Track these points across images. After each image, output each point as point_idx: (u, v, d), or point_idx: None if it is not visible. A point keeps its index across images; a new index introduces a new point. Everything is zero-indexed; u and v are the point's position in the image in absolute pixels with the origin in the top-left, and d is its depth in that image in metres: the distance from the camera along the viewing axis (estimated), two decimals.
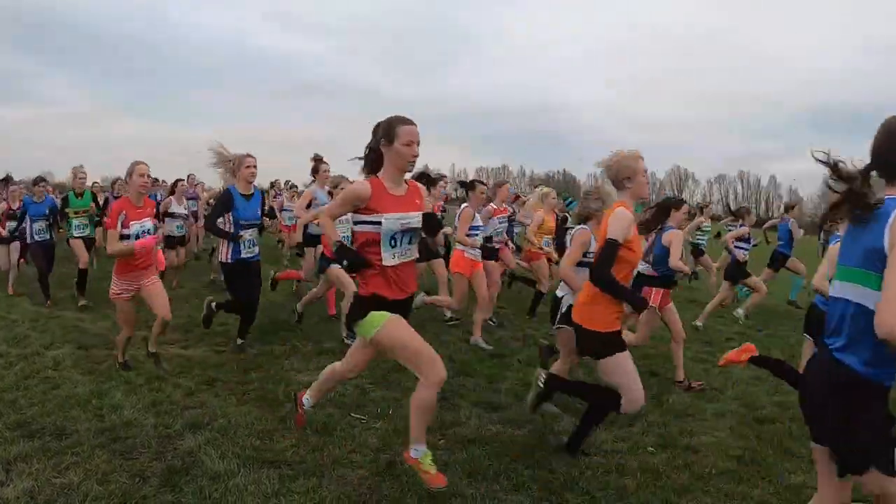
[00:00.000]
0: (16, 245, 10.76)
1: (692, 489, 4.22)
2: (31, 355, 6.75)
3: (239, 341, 7.01)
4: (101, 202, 12.11)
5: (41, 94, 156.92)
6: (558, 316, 5.42)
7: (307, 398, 4.66)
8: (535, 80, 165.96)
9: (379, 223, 3.83)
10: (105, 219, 10.56)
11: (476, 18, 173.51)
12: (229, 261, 6.73)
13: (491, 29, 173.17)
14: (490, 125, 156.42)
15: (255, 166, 6.74)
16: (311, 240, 8.57)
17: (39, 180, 10.30)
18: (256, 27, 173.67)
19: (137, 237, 5.89)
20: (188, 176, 13.93)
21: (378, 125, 4.00)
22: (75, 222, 9.97)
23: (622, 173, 4.29)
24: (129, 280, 6.04)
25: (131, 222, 5.88)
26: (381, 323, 3.87)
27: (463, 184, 8.03)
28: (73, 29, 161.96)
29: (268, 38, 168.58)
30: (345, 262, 3.93)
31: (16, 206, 10.71)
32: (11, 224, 10.65)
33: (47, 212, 10.04)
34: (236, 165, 6.71)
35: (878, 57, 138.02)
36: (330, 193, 7.77)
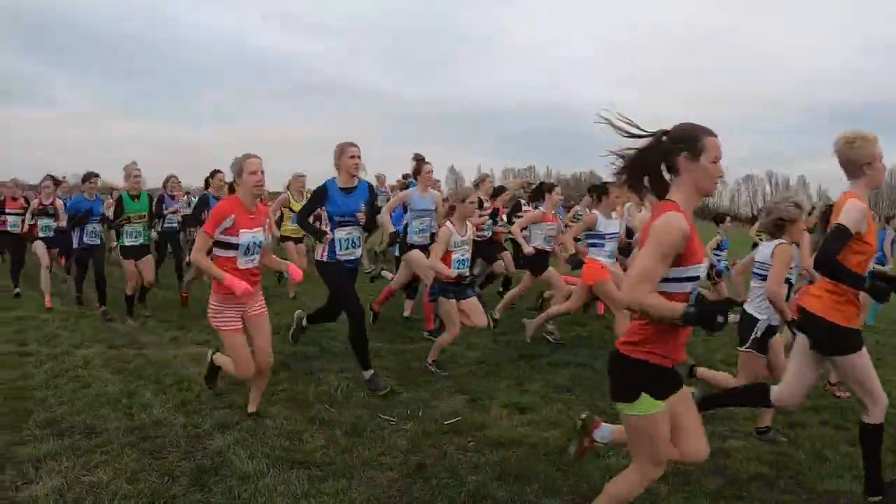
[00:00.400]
0: (40, 245, 10.26)
1: (725, 494, 4.12)
2: (60, 354, 6.80)
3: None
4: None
5: (41, 94, 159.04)
6: (751, 340, 4.86)
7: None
8: (545, 79, 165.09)
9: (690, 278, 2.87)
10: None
11: (476, 18, 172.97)
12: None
13: (492, 28, 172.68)
14: (506, 125, 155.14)
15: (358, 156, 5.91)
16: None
17: (90, 176, 9.02)
18: (256, 27, 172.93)
19: (248, 250, 4.82)
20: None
21: (683, 131, 2.86)
22: (128, 229, 8.48)
23: (863, 158, 3.77)
24: (237, 306, 4.87)
25: (241, 230, 4.74)
26: (653, 412, 2.92)
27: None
28: (72, 29, 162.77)
29: (268, 37, 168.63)
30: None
31: (48, 202, 10.32)
32: (45, 221, 10.26)
33: (103, 211, 9.26)
34: (337, 156, 5.91)
35: (879, 57, 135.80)
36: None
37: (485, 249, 9.21)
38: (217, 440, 4.61)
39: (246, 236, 4.74)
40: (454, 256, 6.12)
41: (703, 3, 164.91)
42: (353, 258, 5.95)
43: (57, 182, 11.47)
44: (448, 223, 6.14)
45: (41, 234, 10.28)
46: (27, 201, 10.70)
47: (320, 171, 7.30)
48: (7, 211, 10.56)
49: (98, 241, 9.11)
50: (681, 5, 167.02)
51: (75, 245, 9.17)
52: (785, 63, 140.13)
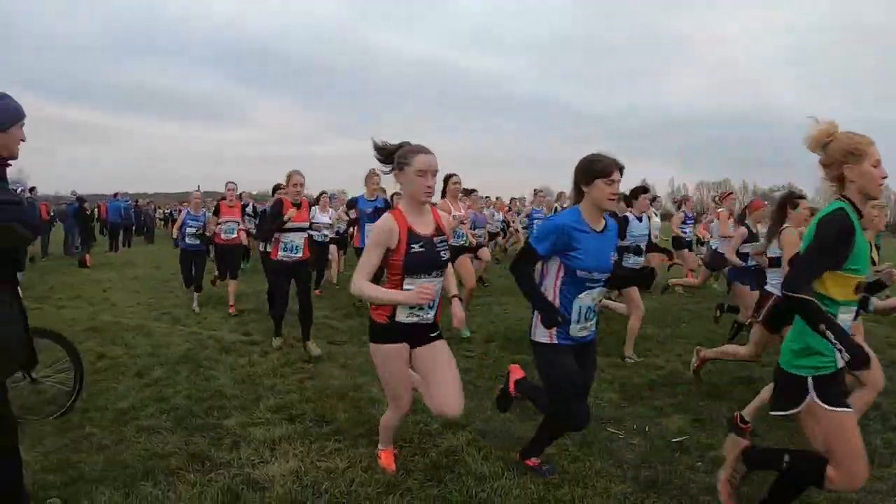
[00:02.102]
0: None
1: None
2: (284, 347, 6.99)
3: None
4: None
5: (256, 117, 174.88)
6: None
7: None
8: (740, 85, 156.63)
9: None
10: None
11: (680, 26, 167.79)
12: None
13: (692, 37, 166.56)
14: (697, 135, 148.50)
15: None
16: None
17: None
18: (454, 48, 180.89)
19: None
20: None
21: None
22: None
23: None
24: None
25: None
26: None
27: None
28: (285, 61, 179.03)
29: (469, 59, 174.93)
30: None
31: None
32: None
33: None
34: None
35: None
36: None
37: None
38: (449, 439, 4.39)
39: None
40: None
41: None
42: None
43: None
44: None
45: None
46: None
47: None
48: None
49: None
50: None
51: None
52: None
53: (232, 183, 9.67)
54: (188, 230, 9.75)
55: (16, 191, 3.05)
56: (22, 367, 3.39)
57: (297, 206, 6.88)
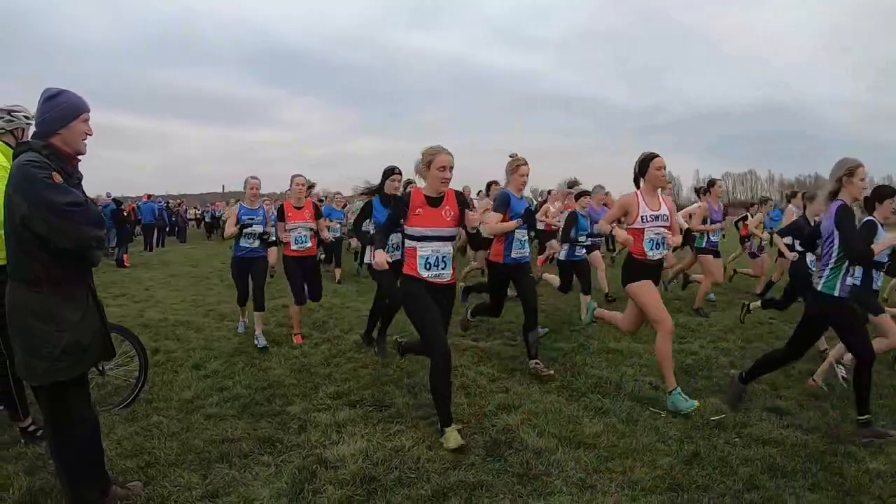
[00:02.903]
0: None
1: None
2: (333, 339, 7.28)
3: None
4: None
5: (284, 118, 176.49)
6: None
7: None
8: (767, 78, 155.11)
9: None
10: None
11: (698, 19, 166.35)
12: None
13: (714, 29, 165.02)
14: (725, 127, 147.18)
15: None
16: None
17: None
18: (480, 46, 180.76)
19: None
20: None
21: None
22: None
23: None
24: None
25: None
26: None
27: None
28: (312, 63, 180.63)
29: (489, 55, 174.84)
30: None
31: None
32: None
33: None
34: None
35: None
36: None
37: None
38: (504, 419, 4.62)
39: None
40: None
41: None
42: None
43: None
44: None
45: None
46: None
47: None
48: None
49: None
50: None
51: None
52: None
53: (300, 176, 7.42)
54: (245, 230, 7.42)
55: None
56: (100, 358, 3.51)
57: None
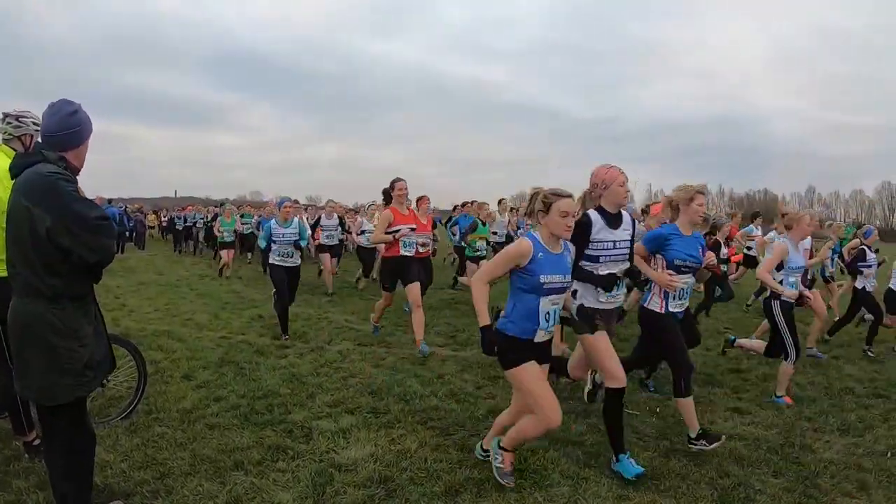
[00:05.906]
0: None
1: None
2: (316, 349, 7.51)
3: None
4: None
5: (243, 123, 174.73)
6: None
7: None
8: (716, 90, 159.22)
9: None
10: None
11: (652, 34, 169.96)
12: None
13: (665, 43, 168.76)
14: (678, 140, 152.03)
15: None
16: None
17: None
18: (441, 56, 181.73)
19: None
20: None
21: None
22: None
23: None
24: None
25: None
26: None
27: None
28: (272, 68, 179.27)
29: (449, 66, 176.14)
30: None
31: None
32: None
33: None
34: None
35: None
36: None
37: None
38: None
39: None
40: None
41: (886, 3, 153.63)
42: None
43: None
44: None
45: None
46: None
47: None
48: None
49: None
50: (862, 5, 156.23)
51: None
52: None
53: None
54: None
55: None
56: (109, 370, 3.46)
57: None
